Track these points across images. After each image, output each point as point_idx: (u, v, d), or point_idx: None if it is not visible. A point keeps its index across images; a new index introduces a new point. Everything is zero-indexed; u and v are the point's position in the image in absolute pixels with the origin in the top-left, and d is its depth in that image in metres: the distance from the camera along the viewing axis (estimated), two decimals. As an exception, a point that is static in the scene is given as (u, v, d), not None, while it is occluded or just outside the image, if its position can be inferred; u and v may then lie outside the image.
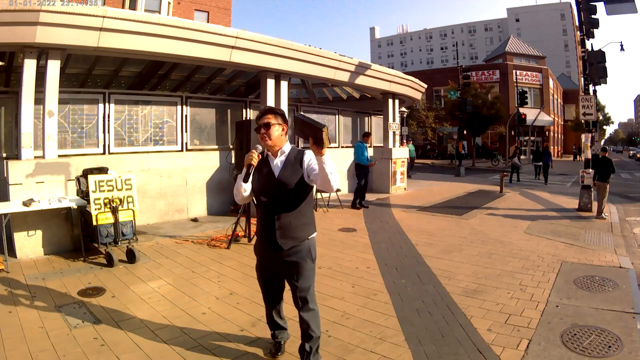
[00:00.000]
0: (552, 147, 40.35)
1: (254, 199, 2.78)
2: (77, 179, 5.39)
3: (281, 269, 2.70)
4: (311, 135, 2.40)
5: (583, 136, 9.90)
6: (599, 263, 5.16)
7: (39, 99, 5.50)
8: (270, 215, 2.62)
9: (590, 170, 8.93)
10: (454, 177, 17.75)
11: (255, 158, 2.58)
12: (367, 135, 9.52)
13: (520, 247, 5.90)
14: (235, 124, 6.76)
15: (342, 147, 11.48)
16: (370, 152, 10.02)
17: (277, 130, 2.65)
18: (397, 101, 12.15)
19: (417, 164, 23.35)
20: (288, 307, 3.00)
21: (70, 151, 6.49)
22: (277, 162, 2.66)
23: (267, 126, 2.61)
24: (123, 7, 18.23)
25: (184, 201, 7.77)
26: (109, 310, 3.62)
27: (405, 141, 18.74)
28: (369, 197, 10.62)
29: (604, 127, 55.65)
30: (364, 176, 9.07)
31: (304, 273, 2.66)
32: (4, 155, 6.13)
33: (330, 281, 4.45)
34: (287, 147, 2.69)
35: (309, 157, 2.63)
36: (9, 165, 5.13)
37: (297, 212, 2.63)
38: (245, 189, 2.64)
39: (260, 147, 2.67)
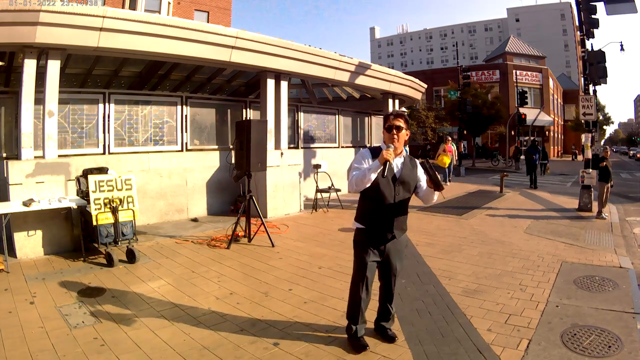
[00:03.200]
0: (552, 147, 40.37)
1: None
2: (77, 179, 5.39)
3: (387, 255, 3.03)
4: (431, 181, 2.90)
5: (583, 136, 9.89)
6: (599, 263, 5.16)
7: (39, 99, 5.50)
8: (389, 208, 2.94)
9: (591, 170, 8.93)
10: (454, 177, 17.69)
11: (392, 155, 2.79)
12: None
13: (520, 247, 5.90)
14: (235, 124, 6.74)
15: (342, 147, 11.48)
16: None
17: (405, 135, 2.97)
18: (397, 101, 12.15)
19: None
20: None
21: (70, 151, 6.49)
22: (397, 162, 2.98)
23: (399, 129, 2.93)
24: (123, 7, 18.23)
25: (184, 201, 7.77)
26: (109, 310, 3.62)
27: (450, 138, 16.40)
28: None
29: (604, 127, 55.57)
30: None
31: (402, 259, 3.16)
32: (4, 155, 6.13)
33: (330, 281, 4.45)
34: (405, 151, 3.06)
35: (421, 170, 3.03)
36: (9, 165, 5.13)
37: (406, 208, 3.06)
38: (371, 181, 2.83)
39: (392, 146, 2.88)
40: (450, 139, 15.36)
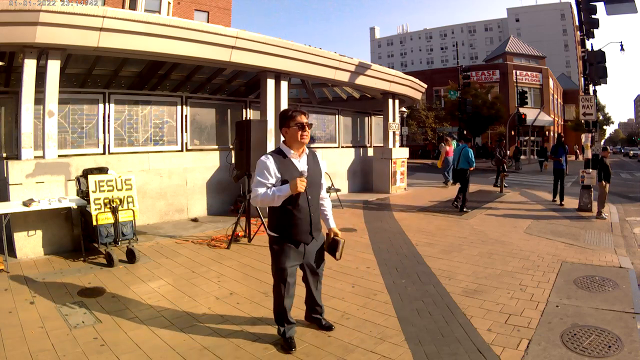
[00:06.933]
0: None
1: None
2: (77, 179, 5.39)
3: (308, 258, 3.03)
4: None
5: (583, 136, 9.88)
6: (599, 263, 5.16)
7: (39, 99, 5.50)
8: (305, 213, 2.90)
9: (591, 170, 8.92)
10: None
11: (304, 185, 2.75)
12: (469, 140, 9.44)
13: (520, 247, 5.90)
14: (235, 124, 6.74)
15: (342, 147, 11.48)
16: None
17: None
18: (397, 101, 12.15)
19: (417, 164, 23.17)
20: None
21: (70, 151, 6.49)
22: (301, 161, 2.92)
23: (309, 126, 2.87)
24: (123, 7, 18.23)
25: (184, 201, 7.77)
26: (109, 310, 3.62)
27: (450, 138, 14.89)
28: (369, 197, 10.64)
29: (604, 127, 55.53)
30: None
31: (322, 257, 3.16)
32: (4, 155, 6.13)
33: (330, 281, 4.44)
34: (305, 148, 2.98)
35: (323, 162, 2.98)
36: (9, 165, 5.13)
37: (319, 206, 3.05)
38: (279, 203, 2.83)
39: (305, 172, 2.85)
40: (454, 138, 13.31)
